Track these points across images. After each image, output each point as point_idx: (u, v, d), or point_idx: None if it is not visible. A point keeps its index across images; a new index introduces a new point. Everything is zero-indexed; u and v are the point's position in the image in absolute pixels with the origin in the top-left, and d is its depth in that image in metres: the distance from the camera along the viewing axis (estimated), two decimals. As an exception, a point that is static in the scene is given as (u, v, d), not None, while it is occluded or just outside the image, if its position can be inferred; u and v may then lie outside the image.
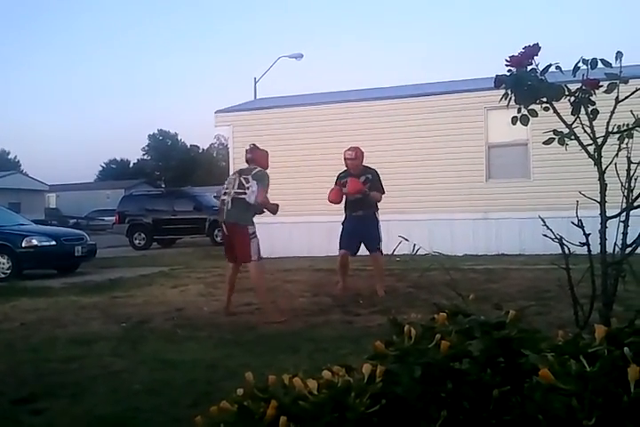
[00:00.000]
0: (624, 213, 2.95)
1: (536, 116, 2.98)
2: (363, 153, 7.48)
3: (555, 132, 3.07)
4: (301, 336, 5.16)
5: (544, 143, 3.13)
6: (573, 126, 3.00)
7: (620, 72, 2.84)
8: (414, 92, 13.68)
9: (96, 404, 3.62)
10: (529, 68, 2.89)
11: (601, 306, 2.90)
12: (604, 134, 2.97)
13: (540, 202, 11.21)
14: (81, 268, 12.44)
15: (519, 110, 3.00)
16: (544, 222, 3.11)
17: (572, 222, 2.99)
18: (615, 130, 3.00)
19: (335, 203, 7.47)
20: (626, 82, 2.88)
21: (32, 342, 5.42)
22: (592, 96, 2.93)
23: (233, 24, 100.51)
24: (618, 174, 2.92)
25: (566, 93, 2.93)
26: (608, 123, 2.92)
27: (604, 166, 2.96)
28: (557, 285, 3.61)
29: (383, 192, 7.42)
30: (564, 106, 2.97)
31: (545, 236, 3.09)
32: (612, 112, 2.88)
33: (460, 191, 12.37)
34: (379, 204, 7.47)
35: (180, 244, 20.61)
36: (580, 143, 2.98)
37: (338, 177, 7.57)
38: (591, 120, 2.97)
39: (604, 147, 2.96)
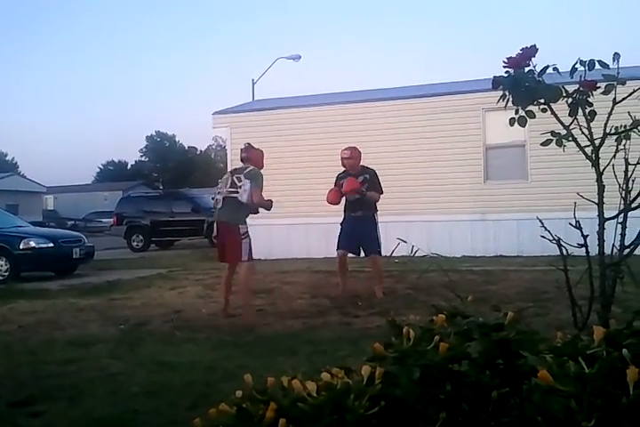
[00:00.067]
0: (622, 215, 2.95)
1: (534, 117, 2.98)
2: (360, 153, 7.48)
3: (552, 133, 3.07)
4: (300, 338, 5.16)
5: (542, 145, 3.13)
6: (571, 128, 3.00)
7: (618, 73, 2.85)
8: (411, 94, 13.69)
9: (94, 406, 3.61)
10: (526, 69, 2.89)
11: (599, 307, 2.90)
12: (601, 136, 2.97)
13: (537, 203, 11.22)
14: (79, 270, 12.42)
15: (517, 112, 3.01)
16: (542, 224, 3.11)
17: (570, 224, 2.99)
18: (613, 131, 3.00)
19: (334, 204, 7.47)
20: (623, 83, 2.88)
21: (30, 344, 5.41)
22: (589, 97, 2.93)
23: (231, 25, 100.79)
24: (615, 176, 2.92)
25: (564, 95, 2.93)
26: (606, 124, 2.93)
27: (601, 168, 2.96)
28: (556, 286, 3.62)
29: (381, 192, 7.42)
30: (561, 107, 2.98)
31: (543, 237, 3.10)
32: (610, 113, 2.88)
33: (458, 193, 12.38)
34: (378, 205, 7.47)
35: (178, 246, 20.59)
36: (578, 145, 2.99)
37: (337, 178, 7.57)
38: (589, 121, 2.98)
39: (602, 148, 2.97)
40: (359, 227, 7.28)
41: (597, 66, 2.86)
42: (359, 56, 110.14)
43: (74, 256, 11.99)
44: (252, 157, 6.55)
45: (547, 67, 2.87)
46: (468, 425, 1.44)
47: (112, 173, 69.22)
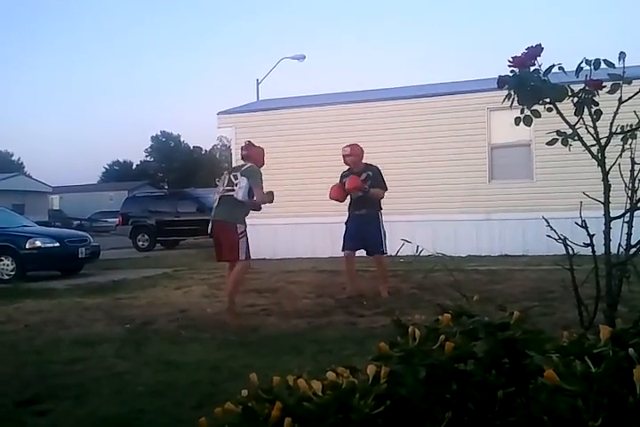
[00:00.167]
0: (628, 214, 2.94)
1: (539, 116, 2.98)
2: (361, 149, 7.47)
3: (558, 132, 3.06)
4: (305, 337, 5.16)
5: (547, 144, 3.12)
6: (577, 127, 2.99)
7: (624, 73, 2.84)
8: (416, 94, 13.67)
9: (100, 405, 3.62)
10: (532, 68, 2.88)
11: (605, 307, 2.90)
12: (607, 135, 2.96)
13: (543, 203, 11.20)
14: (84, 269, 12.45)
15: (522, 111, 3.00)
16: (548, 223, 3.11)
17: (576, 223, 2.99)
18: (619, 130, 2.99)
19: (337, 200, 7.45)
20: (629, 82, 2.87)
21: (36, 343, 5.43)
22: (595, 97, 2.93)
23: (235, 25, 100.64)
24: (622, 175, 2.92)
25: (569, 94, 2.93)
26: (611, 123, 2.92)
27: (607, 167, 2.95)
28: (561, 285, 3.61)
29: (386, 189, 7.41)
30: (567, 106, 2.97)
31: (549, 236, 3.09)
32: (616, 113, 2.88)
33: (463, 192, 12.36)
34: (382, 204, 7.46)
35: (183, 245, 20.62)
36: (584, 144, 2.98)
37: (341, 176, 7.58)
38: (594, 121, 2.97)
39: (608, 147, 2.96)
40: (363, 226, 7.27)
41: (603, 65, 2.85)
42: (359, 56, 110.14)
43: (80, 256, 12.02)
44: (253, 154, 6.53)
45: (552, 66, 2.87)
46: (473, 425, 1.44)
47: (117, 173, 69.33)
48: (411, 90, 14.96)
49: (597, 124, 2.97)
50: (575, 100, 2.94)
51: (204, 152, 73.42)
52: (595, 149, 2.98)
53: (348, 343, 4.77)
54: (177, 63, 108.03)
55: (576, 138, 3.00)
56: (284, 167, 12.57)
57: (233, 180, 6.25)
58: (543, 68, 2.88)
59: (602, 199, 2.94)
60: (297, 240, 13.31)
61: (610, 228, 2.91)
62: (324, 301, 7.18)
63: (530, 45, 2.87)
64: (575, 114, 2.96)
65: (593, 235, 2.92)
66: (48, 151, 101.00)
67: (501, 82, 2.92)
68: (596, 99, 2.93)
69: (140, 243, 19.76)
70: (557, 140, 3.05)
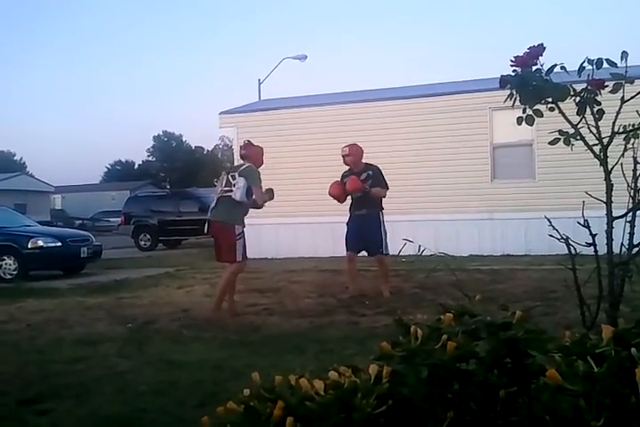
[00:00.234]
0: (630, 214, 2.94)
1: (541, 116, 2.98)
2: (360, 149, 7.46)
3: (560, 132, 3.06)
4: (307, 337, 5.16)
5: (550, 143, 3.12)
6: (579, 126, 2.99)
7: (626, 72, 2.84)
8: (418, 93, 13.66)
9: (102, 405, 3.62)
10: (534, 68, 2.88)
11: (608, 306, 2.90)
12: (609, 134, 2.96)
13: (545, 202, 11.19)
14: (87, 269, 12.47)
15: (524, 111, 3.00)
16: (550, 223, 3.11)
17: (579, 223, 2.98)
18: (621, 130, 2.99)
19: (336, 198, 7.44)
20: (631, 82, 2.87)
21: (38, 342, 5.44)
22: (597, 96, 2.93)
23: (236, 25, 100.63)
24: (624, 174, 2.92)
25: (572, 94, 2.93)
26: (614, 123, 2.92)
27: (609, 166, 2.95)
28: (564, 285, 3.60)
29: (387, 188, 7.40)
30: (569, 106, 2.97)
31: (551, 236, 3.09)
32: (618, 112, 2.87)
33: (465, 192, 12.35)
34: (384, 204, 7.45)
35: (185, 245, 20.63)
36: (586, 143, 2.98)
37: (342, 176, 7.57)
38: (597, 120, 2.97)
39: (610, 147, 2.96)
40: (364, 226, 7.26)
41: (605, 64, 2.85)
42: (359, 56, 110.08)
43: (82, 255, 12.03)
44: (251, 154, 6.52)
45: (554, 65, 2.87)
46: (475, 424, 1.44)
47: (119, 173, 69.37)
48: (412, 89, 14.95)
49: (600, 123, 2.97)
50: (577, 99, 2.94)
51: (205, 152, 73.44)
52: (597, 149, 2.98)
53: (350, 343, 4.77)
54: (178, 63, 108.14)
55: (578, 137, 2.99)
56: (286, 167, 12.58)
57: (231, 180, 6.24)
58: (545, 68, 2.87)
59: (604, 199, 2.94)
60: (299, 240, 13.31)
61: (612, 227, 2.91)
62: (325, 300, 7.18)
63: (532, 45, 2.87)
64: (577, 113, 2.96)
65: (595, 234, 2.92)
66: (50, 151, 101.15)
67: (504, 81, 2.92)
68: (599, 98, 2.93)
69: (142, 242, 19.78)
70: (560, 139, 3.05)
